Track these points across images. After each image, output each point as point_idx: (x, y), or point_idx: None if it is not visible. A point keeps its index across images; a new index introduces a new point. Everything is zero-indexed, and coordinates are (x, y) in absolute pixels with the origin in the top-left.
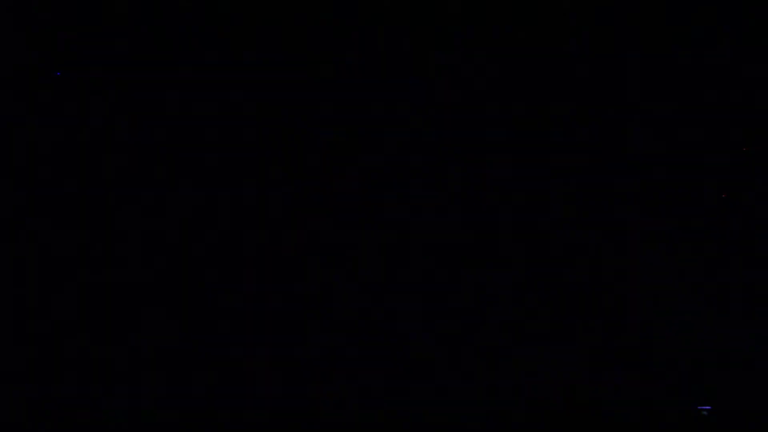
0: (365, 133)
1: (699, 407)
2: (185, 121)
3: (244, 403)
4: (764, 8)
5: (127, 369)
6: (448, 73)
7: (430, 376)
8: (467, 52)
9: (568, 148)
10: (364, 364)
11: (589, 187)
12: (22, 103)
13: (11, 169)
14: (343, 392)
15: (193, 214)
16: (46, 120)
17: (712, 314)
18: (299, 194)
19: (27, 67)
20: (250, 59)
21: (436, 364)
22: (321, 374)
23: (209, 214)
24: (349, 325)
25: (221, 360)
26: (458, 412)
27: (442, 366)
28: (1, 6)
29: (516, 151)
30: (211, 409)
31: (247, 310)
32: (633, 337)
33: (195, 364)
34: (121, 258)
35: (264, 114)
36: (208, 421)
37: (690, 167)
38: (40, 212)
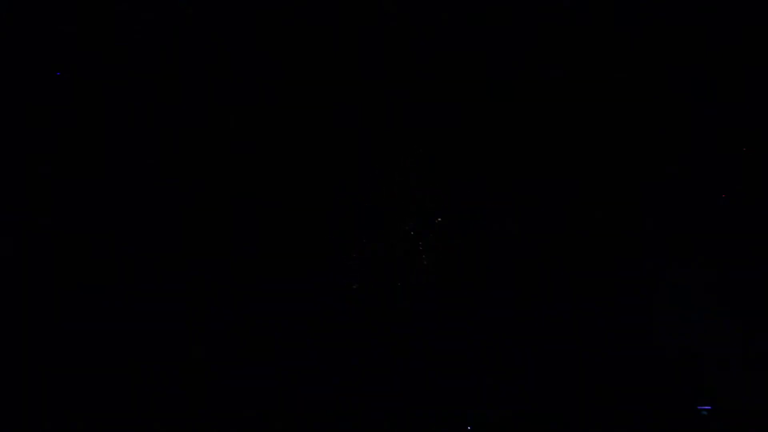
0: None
1: (699, 407)
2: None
3: None
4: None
5: None
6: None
7: None
8: None
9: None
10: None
11: (591, 193)
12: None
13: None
14: None
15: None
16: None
17: (712, 315)
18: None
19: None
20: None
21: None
22: None
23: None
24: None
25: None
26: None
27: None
28: (1, 6)
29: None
30: None
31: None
32: (633, 338)
33: None
34: None
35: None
36: None
37: (685, 171)
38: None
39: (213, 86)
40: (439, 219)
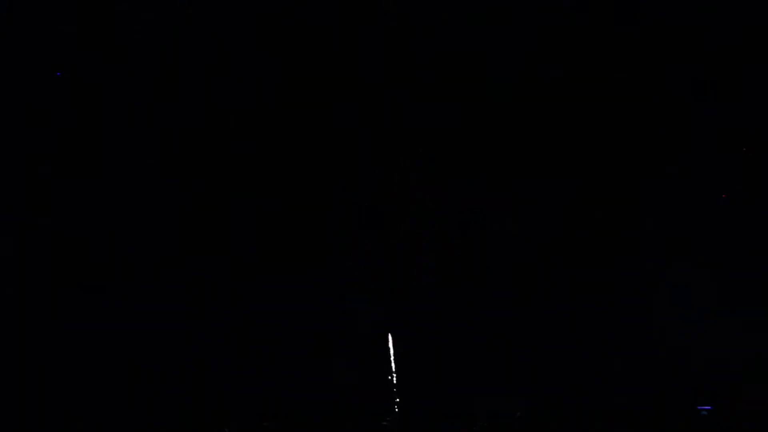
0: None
1: (699, 407)
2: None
3: None
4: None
5: None
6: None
7: None
8: None
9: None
10: None
11: (593, 195)
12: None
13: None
14: None
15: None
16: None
17: (712, 315)
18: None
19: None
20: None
21: None
22: None
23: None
24: None
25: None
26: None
27: None
28: (1, 6)
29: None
30: None
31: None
32: (634, 338)
33: None
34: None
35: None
36: None
37: (685, 171)
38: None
39: (213, 86)
40: (439, 219)
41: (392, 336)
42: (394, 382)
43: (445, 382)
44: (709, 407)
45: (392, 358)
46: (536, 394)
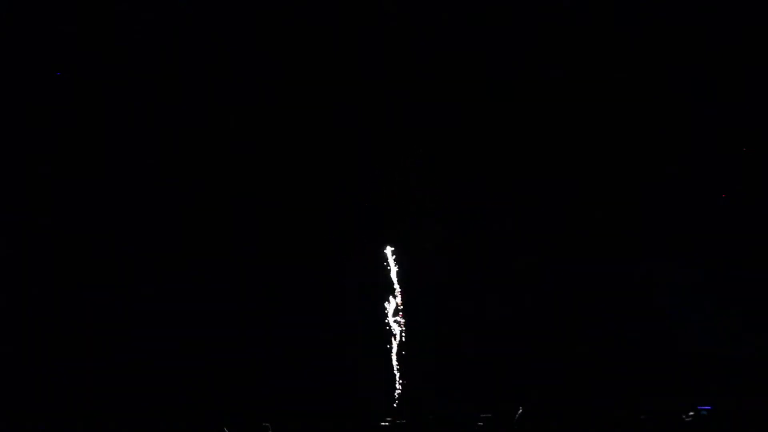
0: None
1: (699, 407)
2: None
3: None
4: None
5: None
6: None
7: None
8: None
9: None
10: None
11: (593, 196)
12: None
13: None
14: None
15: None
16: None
17: (712, 315)
18: None
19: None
20: None
21: None
22: None
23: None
24: None
25: None
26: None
27: None
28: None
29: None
30: None
31: None
32: (634, 338)
33: None
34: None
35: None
36: None
37: (685, 171)
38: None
39: (213, 86)
40: (439, 219)
41: (392, 336)
42: (394, 382)
43: (444, 382)
44: (709, 407)
45: (392, 358)
46: (537, 393)
